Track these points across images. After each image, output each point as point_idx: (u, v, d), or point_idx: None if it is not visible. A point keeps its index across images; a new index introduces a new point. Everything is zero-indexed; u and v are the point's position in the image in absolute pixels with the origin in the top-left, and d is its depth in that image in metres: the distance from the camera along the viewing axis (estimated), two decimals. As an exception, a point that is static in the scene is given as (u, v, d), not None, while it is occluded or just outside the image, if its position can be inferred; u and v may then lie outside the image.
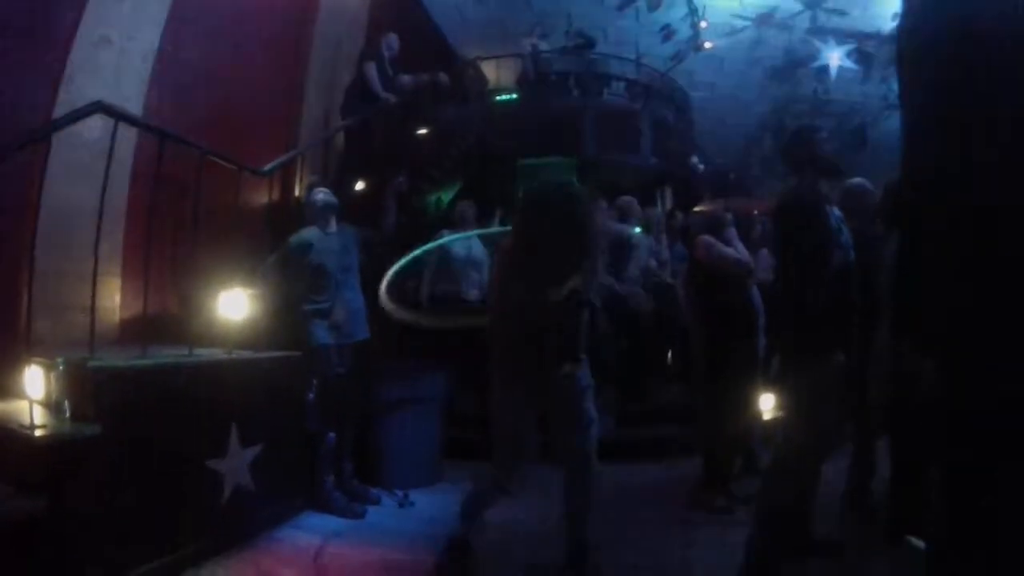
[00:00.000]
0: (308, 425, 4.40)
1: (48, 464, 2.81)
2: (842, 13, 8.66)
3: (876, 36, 8.85)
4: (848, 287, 3.12)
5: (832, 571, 3.37)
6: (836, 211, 3.25)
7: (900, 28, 1.90)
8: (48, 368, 3.18)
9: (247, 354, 4.04)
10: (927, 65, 1.63)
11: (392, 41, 7.00)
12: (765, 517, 3.07)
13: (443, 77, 7.84)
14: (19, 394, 3.25)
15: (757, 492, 3.24)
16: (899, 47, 1.84)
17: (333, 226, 4.60)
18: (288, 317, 4.42)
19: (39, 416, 2.91)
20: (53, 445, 2.81)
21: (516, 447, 3.36)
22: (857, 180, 4.18)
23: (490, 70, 9.37)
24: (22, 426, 2.83)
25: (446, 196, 7.86)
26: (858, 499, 3.92)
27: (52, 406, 3.13)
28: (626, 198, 6.29)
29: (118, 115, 3.43)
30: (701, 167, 8.56)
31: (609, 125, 8.49)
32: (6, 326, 3.45)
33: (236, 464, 3.76)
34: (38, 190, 3.61)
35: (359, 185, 5.92)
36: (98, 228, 3.41)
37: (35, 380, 3.06)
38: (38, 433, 2.80)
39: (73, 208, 3.76)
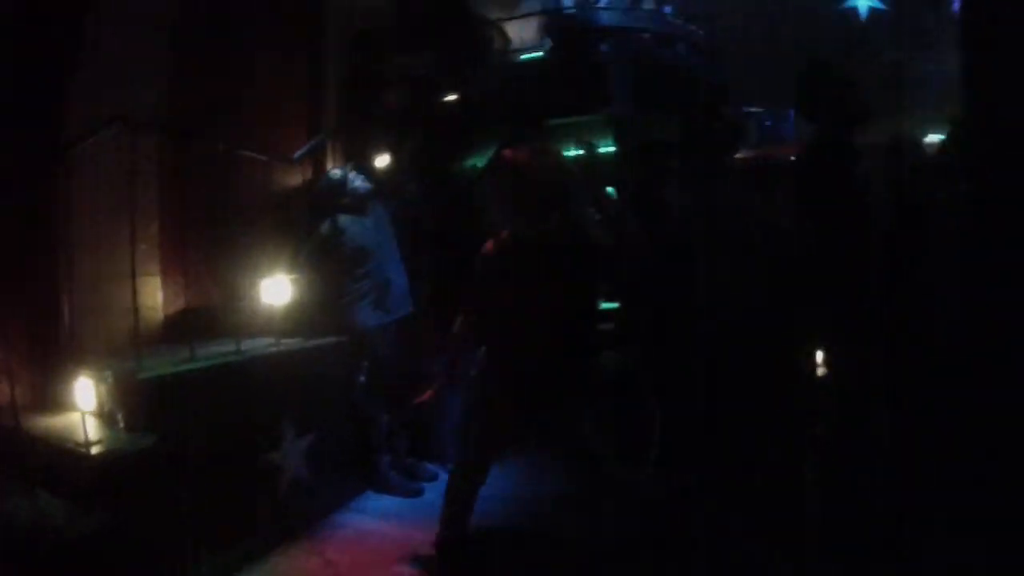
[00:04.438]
0: (360, 407, 4.40)
1: (105, 480, 2.83)
2: None
3: None
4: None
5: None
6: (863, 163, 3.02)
7: None
8: (97, 379, 3.20)
9: (294, 343, 4.04)
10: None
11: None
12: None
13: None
14: (68, 406, 3.28)
15: None
16: None
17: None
18: (332, 302, 4.39)
19: (93, 430, 2.94)
20: (110, 461, 2.84)
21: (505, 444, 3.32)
22: (901, 132, 3.88)
23: (513, 29, 9.10)
24: (78, 444, 2.85)
25: (480, 161, 7.73)
26: None
27: (104, 418, 3.16)
28: None
29: (135, 125, 3.38)
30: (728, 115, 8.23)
31: (638, 79, 8.22)
32: (49, 335, 3.47)
33: (291, 455, 3.80)
34: (67, 204, 3.59)
35: (381, 161, 5.82)
36: (132, 232, 3.40)
37: (85, 392, 3.08)
38: (94, 451, 2.82)
39: (105, 216, 3.74)
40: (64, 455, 2.91)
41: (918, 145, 3.82)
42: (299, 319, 4.15)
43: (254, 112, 5.34)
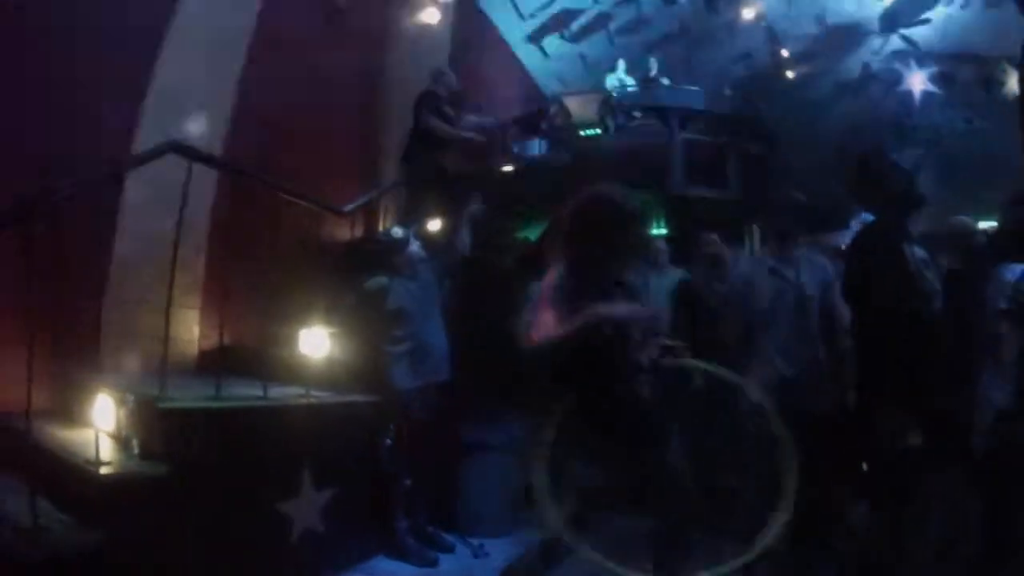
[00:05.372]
0: (384, 469, 4.26)
1: (111, 500, 2.75)
2: (924, 22, 8.32)
3: (957, 57, 8.47)
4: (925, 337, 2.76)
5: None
6: (919, 251, 2.90)
7: None
8: (118, 401, 3.14)
9: (324, 396, 3.95)
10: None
11: (447, 79, 6.52)
12: None
13: (507, 121, 7.60)
14: (88, 422, 3.21)
15: None
16: None
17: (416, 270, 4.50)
18: (368, 358, 4.30)
19: (106, 450, 2.87)
20: (117, 482, 2.76)
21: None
22: (960, 218, 3.81)
23: (574, 106, 9.26)
24: (88, 461, 2.78)
25: (533, 233, 7.73)
26: None
27: (121, 441, 3.09)
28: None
29: (192, 154, 3.42)
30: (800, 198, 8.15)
31: (695, 159, 8.23)
32: (83, 351, 3.45)
33: (307, 507, 3.66)
34: (114, 224, 3.62)
35: (434, 225, 5.80)
36: (172, 263, 3.40)
37: (104, 411, 3.02)
38: (103, 470, 2.75)
39: (155, 239, 3.76)
40: (72, 469, 2.85)
41: (974, 232, 3.68)
42: (333, 373, 4.07)
43: (311, 160, 5.43)
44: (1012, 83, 7.82)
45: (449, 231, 5.03)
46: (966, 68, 8.40)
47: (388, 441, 4.28)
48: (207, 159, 3.59)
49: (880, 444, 3.06)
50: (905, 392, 2.87)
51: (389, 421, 4.28)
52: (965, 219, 3.82)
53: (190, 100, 4.18)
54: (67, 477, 2.86)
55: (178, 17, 4.26)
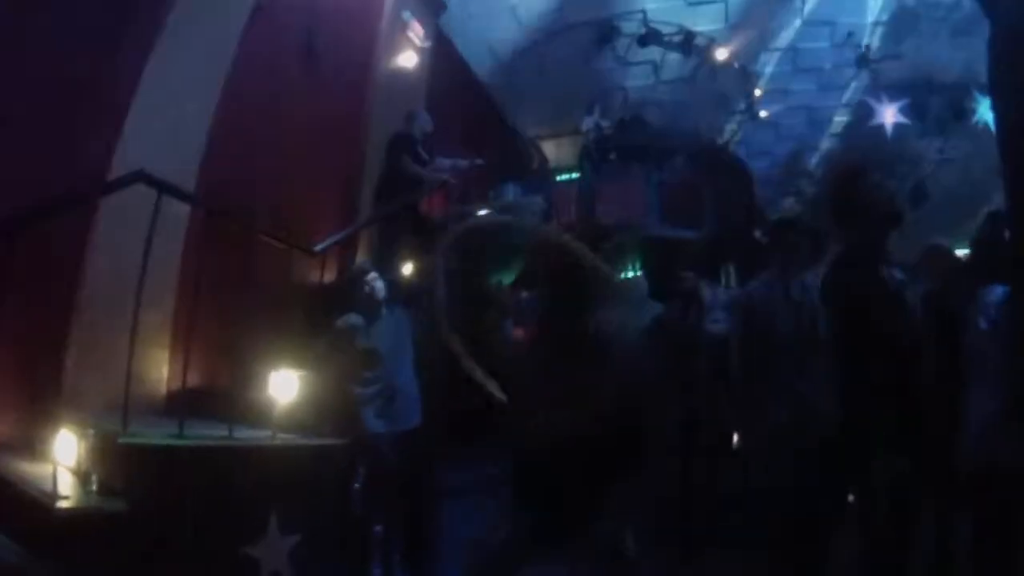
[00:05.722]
0: (353, 512, 4.17)
1: (67, 534, 2.67)
2: (895, 57, 8.55)
3: (927, 88, 8.72)
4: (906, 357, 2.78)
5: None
6: (897, 273, 2.93)
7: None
8: (80, 435, 3.07)
9: (291, 438, 3.88)
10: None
11: (423, 120, 6.63)
12: None
13: (478, 161, 7.62)
14: (49, 456, 3.13)
15: None
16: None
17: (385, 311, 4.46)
18: (338, 401, 4.24)
19: (65, 485, 2.80)
20: (74, 517, 2.68)
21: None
22: (937, 242, 3.87)
23: (550, 148, 9.38)
24: (44, 493, 2.70)
25: (508, 277, 7.73)
26: None
27: (80, 476, 3.01)
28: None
29: (160, 185, 3.41)
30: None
31: (671, 200, 8.33)
32: (47, 384, 3.38)
33: (274, 552, 3.56)
34: (84, 254, 3.59)
35: (407, 269, 5.78)
36: (137, 298, 3.36)
37: (65, 446, 2.96)
38: (60, 504, 2.68)
39: (125, 275, 3.71)
40: (29, 502, 2.77)
41: (950, 254, 3.74)
42: (302, 415, 4.01)
43: (286, 200, 5.43)
44: (982, 111, 8.03)
45: (425, 277, 5.01)
46: (936, 99, 8.61)
47: (356, 484, 4.19)
48: (175, 191, 3.58)
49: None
50: (889, 412, 2.87)
51: (358, 464, 4.20)
52: (941, 243, 3.87)
53: (164, 140, 4.18)
54: (24, 509, 2.78)
55: (154, 58, 4.27)
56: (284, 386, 3.89)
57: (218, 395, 4.41)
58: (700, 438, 4.70)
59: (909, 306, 2.92)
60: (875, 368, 2.85)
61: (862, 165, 3.35)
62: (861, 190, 2.96)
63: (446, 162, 6.95)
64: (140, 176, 3.29)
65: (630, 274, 7.15)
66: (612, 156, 9.11)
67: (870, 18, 8.51)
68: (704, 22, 8.95)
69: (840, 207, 3.04)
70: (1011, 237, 2.85)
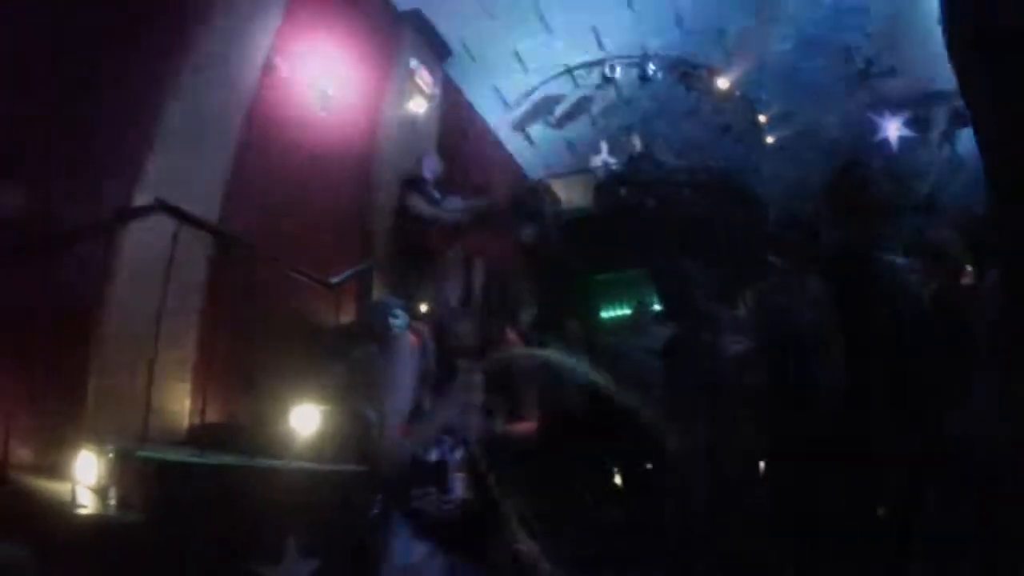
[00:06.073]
0: (370, 537, 4.15)
1: (83, 543, 2.69)
2: (893, 72, 8.60)
3: (927, 98, 8.73)
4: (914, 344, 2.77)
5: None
6: (899, 260, 2.95)
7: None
8: (100, 455, 3.13)
9: (312, 465, 3.92)
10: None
11: (431, 162, 6.88)
12: None
13: (496, 202, 7.72)
14: (70, 477, 3.18)
15: None
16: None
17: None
18: (357, 429, 4.28)
19: (83, 498, 2.84)
20: (91, 525, 2.72)
21: None
22: (943, 230, 3.84)
23: (560, 188, 9.49)
24: (63, 503, 2.75)
25: (526, 317, 7.77)
26: None
27: (100, 491, 3.06)
28: None
29: (179, 215, 3.53)
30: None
31: (681, 234, 8.36)
32: (70, 409, 3.46)
33: (291, 573, 3.55)
34: (104, 284, 3.70)
35: (424, 307, 5.86)
36: (157, 324, 3.47)
37: (86, 465, 3.02)
38: (78, 511, 2.71)
39: (147, 308, 3.82)
40: (47, 512, 2.83)
41: (957, 243, 3.72)
42: (323, 448, 4.06)
43: (303, 238, 5.57)
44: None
45: (443, 316, 5.08)
46: (938, 108, 8.61)
47: (374, 511, 4.19)
48: (194, 220, 3.71)
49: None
50: (898, 401, 2.85)
51: (377, 491, 4.21)
52: (947, 231, 3.84)
53: (184, 180, 4.33)
54: (42, 519, 2.83)
55: (173, 100, 4.46)
56: (306, 420, 3.99)
57: (240, 430, 4.46)
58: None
59: (914, 290, 2.93)
60: (882, 354, 2.84)
61: (857, 157, 3.39)
62: (859, 177, 3.00)
63: (458, 202, 7.09)
64: (160, 205, 3.41)
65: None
66: (623, 192, 9.19)
67: (869, 30, 8.62)
68: (703, 53, 9.11)
69: (837, 197, 3.07)
70: (997, 237, 2.85)
